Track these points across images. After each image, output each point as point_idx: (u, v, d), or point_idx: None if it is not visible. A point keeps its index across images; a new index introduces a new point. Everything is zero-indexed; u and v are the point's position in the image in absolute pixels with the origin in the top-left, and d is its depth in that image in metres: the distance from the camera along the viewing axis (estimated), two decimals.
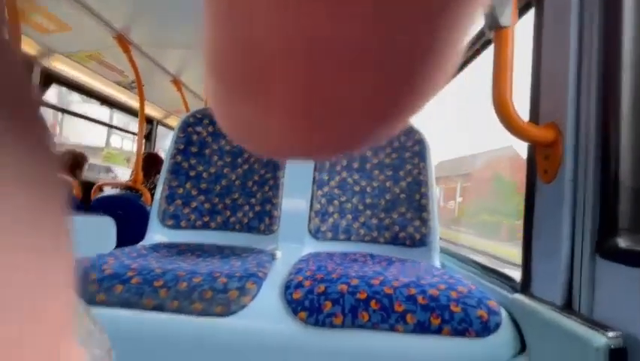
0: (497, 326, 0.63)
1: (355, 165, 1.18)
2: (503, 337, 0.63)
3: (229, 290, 0.66)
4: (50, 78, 2.39)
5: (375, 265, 0.91)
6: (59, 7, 1.78)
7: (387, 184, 1.15)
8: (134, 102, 2.70)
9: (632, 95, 0.54)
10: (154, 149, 3.66)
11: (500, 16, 0.62)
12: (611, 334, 0.48)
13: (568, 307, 0.59)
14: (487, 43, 1.03)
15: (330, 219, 1.11)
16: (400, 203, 1.12)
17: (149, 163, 2.62)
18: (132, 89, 2.87)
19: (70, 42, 2.15)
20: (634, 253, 0.49)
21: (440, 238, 1.18)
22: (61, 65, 2.37)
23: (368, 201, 1.14)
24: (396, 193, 1.14)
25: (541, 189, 0.66)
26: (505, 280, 0.78)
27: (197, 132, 1.20)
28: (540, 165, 0.66)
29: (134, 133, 2.85)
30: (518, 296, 0.68)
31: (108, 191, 2.53)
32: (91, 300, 0.63)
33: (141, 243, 1.00)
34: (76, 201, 2.25)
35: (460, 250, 1.12)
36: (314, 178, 1.13)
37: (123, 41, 2.14)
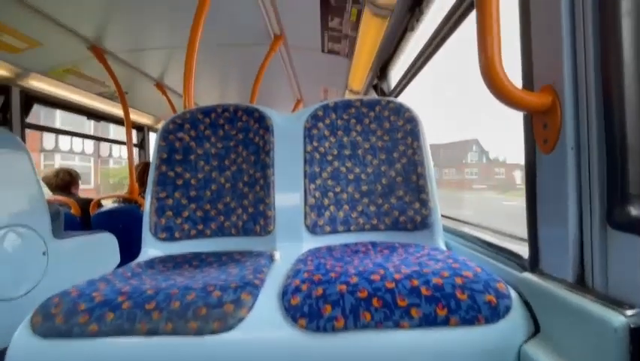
0: (507, 309, 0.60)
1: (347, 152, 1.14)
2: (515, 320, 0.60)
3: (224, 304, 0.63)
4: (31, 98, 2.34)
5: (377, 254, 0.88)
6: (28, 24, 1.72)
7: (382, 168, 1.11)
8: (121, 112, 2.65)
9: (635, 46, 0.49)
10: (148, 156, 3.63)
11: None
12: (629, 312, 0.44)
13: (581, 283, 0.55)
14: (471, 7, 0.96)
15: (327, 212, 1.07)
16: (397, 187, 1.08)
17: (145, 172, 2.59)
18: (116, 98, 2.81)
19: (45, 59, 2.09)
20: None
21: (444, 216, 1.14)
22: (40, 84, 2.31)
23: (364, 188, 1.10)
24: (392, 177, 1.09)
25: (542, 161, 0.61)
26: (514, 257, 0.74)
27: (179, 138, 1.15)
28: (539, 135, 0.61)
29: (123, 142, 2.81)
30: (527, 275, 0.64)
31: (107, 205, 2.52)
32: (83, 332, 0.61)
33: (136, 260, 0.98)
34: (76, 219, 2.24)
35: (463, 227, 1.08)
36: (305, 172, 1.08)
37: (98, 51, 2.08)
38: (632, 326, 0.43)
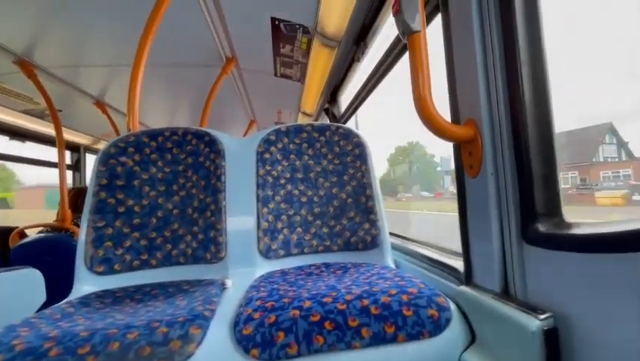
0: (448, 321, 0.65)
1: (299, 176, 1.16)
2: (454, 332, 0.65)
3: (170, 341, 0.59)
4: None
5: (329, 276, 0.90)
6: None
7: (334, 191, 1.15)
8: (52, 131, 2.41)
9: (532, 88, 0.59)
10: (84, 179, 3.32)
11: (411, 22, 0.64)
12: (542, 316, 0.51)
13: (506, 293, 0.62)
14: (405, 49, 1.07)
15: (280, 236, 1.08)
16: (348, 208, 1.12)
17: (79, 197, 2.35)
18: (46, 117, 2.56)
19: None
20: (552, 236, 0.53)
21: (391, 234, 1.21)
22: None
23: (316, 210, 1.13)
24: (344, 199, 1.14)
25: (469, 184, 0.69)
26: (452, 271, 0.81)
27: (121, 163, 1.08)
28: (466, 161, 0.69)
29: (54, 164, 2.54)
30: (463, 288, 0.70)
31: (32, 236, 2.22)
32: None
33: (67, 299, 0.88)
34: None
35: (410, 245, 1.15)
36: (257, 196, 1.08)
37: (26, 65, 1.89)
38: (545, 328, 0.50)
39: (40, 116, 2.56)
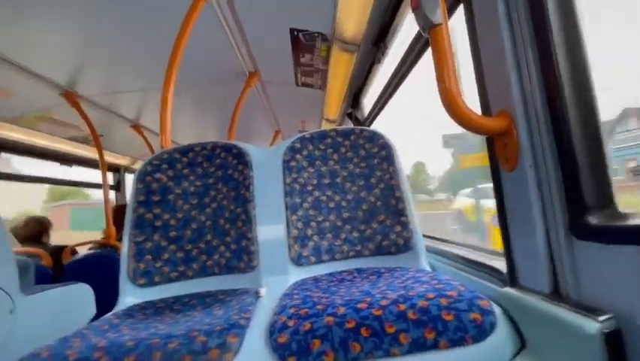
0: (493, 325, 0.61)
1: (326, 181, 1.16)
2: (501, 337, 0.60)
3: (209, 350, 0.60)
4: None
5: (363, 281, 0.88)
6: None
7: (362, 194, 1.13)
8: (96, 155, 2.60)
9: (570, 69, 0.55)
10: (125, 198, 3.53)
11: (432, 15, 0.62)
12: (602, 318, 0.46)
13: (557, 294, 0.57)
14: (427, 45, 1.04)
15: (311, 243, 1.07)
16: (377, 211, 1.10)
17: (120, 215, 2.50)
18: (90, 142, 2.76)
19: (14, 107, 2.06)
20: (606, 230, 0.49)
21: (425, 236, 1.16)
22: (8, 133, 2.25)
23: (345, 215, 1.11)
24: (372, 202, 1.11)
25: (506, 178, 0.65)
26: (494, 272, 0.76)
27: (156, 180, 1.14)
28: (500, 155, 0.65)
29: (99, 185, 2.73)
30: (508, 289, 0.66)
31: (82, 252, 2.39)
32: None
33: (114, 310, 0.93)
34: (48, 271, 2.10)
35: (444, 246, 1.10)
36: (286, 204, 1.09)
37: (71, 96, 2.07)
38: (604, 331, 0.45)
39: (84, 141, 2.78)
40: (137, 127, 2.75)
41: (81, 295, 1.69)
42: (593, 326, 0.46)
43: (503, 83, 0.62)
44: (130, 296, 1.00)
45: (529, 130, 0.59)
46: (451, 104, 0.61)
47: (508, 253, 0.66)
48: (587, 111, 0.53)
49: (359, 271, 0.98)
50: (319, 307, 0.67)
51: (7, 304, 1.33)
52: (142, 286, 1.02)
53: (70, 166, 2.93)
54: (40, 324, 1.42)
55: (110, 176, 3.51)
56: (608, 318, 0.46)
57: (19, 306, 1.36)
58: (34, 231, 2.30)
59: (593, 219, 0.51)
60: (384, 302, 0.65)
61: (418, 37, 1.23)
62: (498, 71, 0.63)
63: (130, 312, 0.87)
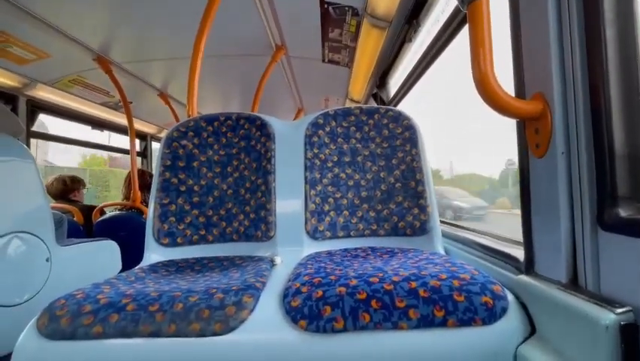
0: (504, 311, 0.61)
1: (347, 159, 1.16)
2: (511, 322, 0.61)
3: (226, 306, 0.64)
4: (36, 108, 2.39)
5: (376, 259, 0.89)
6: (35, 36, 1.77)
7: (382, 175, 1.13)
8: (124, 121, 2.70)
9: (619, 55, 0.51)
10: (150, 165, 3.66)
11: None
12: (619, 310, 0.46)
13: (574, 284, 0.56)
14: (464, 21, 0.99)
15: (327, 218, 1.09)
16: (396, 192, 1.10)
17: (143, 180, 2.62)
18: (119, 108, 2.86)
19: (51, 69, 2.14)
20: (636, 223, 0.47)
21: (442, 222, 1.16)
22: (45, 94, 2.36)
23: (363, 194, 1.12)
24: (392, 183, 1.11)
25: (535, 164, 0.63)
26: (510, 260, 0.75)
27: (182, 146, 1.18)
28: (531, 140, 0.63)
29: (126, 151, 2.84)
30: (523, 277, 0.65)
31: (110, 213, 2.53)
32: (87, 334, 0.62)
33: (139, 265, 0.99)
34: (79, 227, 2.25)
35: (461, 232, 1.09)
36: (306, 178, 1.10)
37: (104, 62, 2.12)
38: (622, 323, 0.44)
39: (114, 107, 2.87)
40: (164, 96, 2.81)
41: (109, 251, 1.82)
42: (610, 317, 0.45)
43: (542, 63, 0.59)
44: (154, 254, 1.06)
45: (564, 116, 0.57)
46: (485, 85, 0.59)
47: (528, 241, 0.65)
48: (631, 102, 0.50)
49: (373, 249, 0.99)
50: (332, 277, 0.70)
51: (43, 253, 1.45)
52: (165, 245, 1.08)
53: (102, 131, 3.05)
54: (72, 274, 1.55)
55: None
56: (627, 310, 0.45)
57: (54, 255, 1.47)
58: (58, 190, 2.44)
59: (624, 212, 0.49)
60: (396, 278, 0.66)
61: (454, 15, 1.18)
62: (538, 51, 0.60)
63: (154, 268, 0.93)
